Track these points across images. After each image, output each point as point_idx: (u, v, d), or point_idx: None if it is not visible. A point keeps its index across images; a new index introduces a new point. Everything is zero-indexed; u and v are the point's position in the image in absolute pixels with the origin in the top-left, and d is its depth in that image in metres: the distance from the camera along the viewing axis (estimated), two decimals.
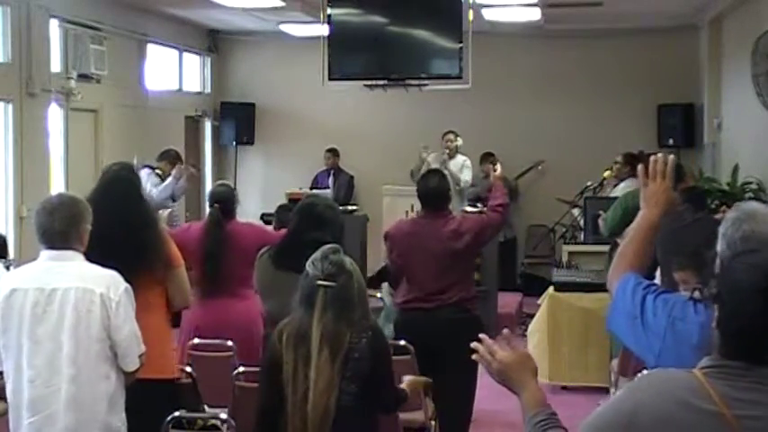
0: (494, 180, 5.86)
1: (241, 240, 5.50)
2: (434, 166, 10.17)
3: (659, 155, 2.76)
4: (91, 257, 3.70)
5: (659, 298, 2.49)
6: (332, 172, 12.04)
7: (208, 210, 5.79)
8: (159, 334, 4.24)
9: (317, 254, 3.49)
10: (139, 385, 3.78)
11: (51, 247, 3.63)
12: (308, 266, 3.46)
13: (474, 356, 2.38)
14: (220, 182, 6.12)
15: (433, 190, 5.38)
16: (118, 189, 4.36)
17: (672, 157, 2.74)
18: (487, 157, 12.09)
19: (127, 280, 3.69)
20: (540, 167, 12.33)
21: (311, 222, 4.45)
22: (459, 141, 10.34)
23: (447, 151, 10.26)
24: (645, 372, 2.01)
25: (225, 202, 5.66)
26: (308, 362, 3.31)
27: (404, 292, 5.39)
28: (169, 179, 8.92)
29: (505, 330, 2.49)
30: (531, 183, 12.51)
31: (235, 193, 5.88)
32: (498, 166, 6.02)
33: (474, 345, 2.42)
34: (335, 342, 3.33)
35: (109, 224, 4.08)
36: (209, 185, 13.13)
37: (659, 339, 2.42)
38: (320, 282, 3.39)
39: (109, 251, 3.88)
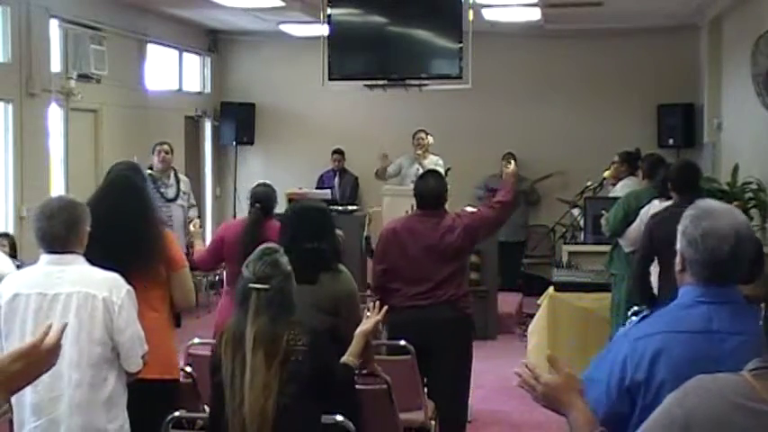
0: (505, 176, 5.92)
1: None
2: (406, 164, 10.19)
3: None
4: (90, 256, 3.69)
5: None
6: (338, 172, 12.07)
7: (247, 208, 5.96)
8: (160, 335, 4.23)
9: (253, 255, 3.46)
10: (140, 385, 3.77)
11: (51, 251, 3.60)
12: (243, 268, 3.43)
13: (516, 383, 2.39)
14: (261, 182, 6.20)
15: (432, 190, 5.40)
16: (119, 188, 4.38)
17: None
18: (507, 157, 12.10)
19: (126, 280, 3.67)
20: (553, 175, 12.28)
21: (306, 231, 4.36)
22: (431, 139, 10.28)
23: (420, 150, 10.22)
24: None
25: (266, 201, 5.82)
26: (243, 365, 3.27)
27: (397, 290, 5.29)
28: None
29: (549, 353, 2.49)
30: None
31: (275, 192, 5.97)
32: (513, 164, 6.09)
33: (517, 370, 2.41)
34: (271, 345, 3.28)
35: (108, 223, 4.08)
36: (209, 185, 13.16)
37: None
38: (252, 285, 3.36)
39: (108, 250, 3.87)
